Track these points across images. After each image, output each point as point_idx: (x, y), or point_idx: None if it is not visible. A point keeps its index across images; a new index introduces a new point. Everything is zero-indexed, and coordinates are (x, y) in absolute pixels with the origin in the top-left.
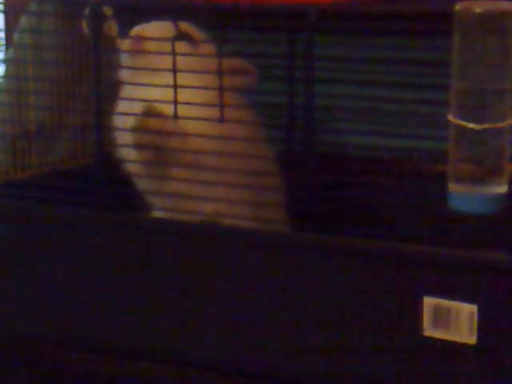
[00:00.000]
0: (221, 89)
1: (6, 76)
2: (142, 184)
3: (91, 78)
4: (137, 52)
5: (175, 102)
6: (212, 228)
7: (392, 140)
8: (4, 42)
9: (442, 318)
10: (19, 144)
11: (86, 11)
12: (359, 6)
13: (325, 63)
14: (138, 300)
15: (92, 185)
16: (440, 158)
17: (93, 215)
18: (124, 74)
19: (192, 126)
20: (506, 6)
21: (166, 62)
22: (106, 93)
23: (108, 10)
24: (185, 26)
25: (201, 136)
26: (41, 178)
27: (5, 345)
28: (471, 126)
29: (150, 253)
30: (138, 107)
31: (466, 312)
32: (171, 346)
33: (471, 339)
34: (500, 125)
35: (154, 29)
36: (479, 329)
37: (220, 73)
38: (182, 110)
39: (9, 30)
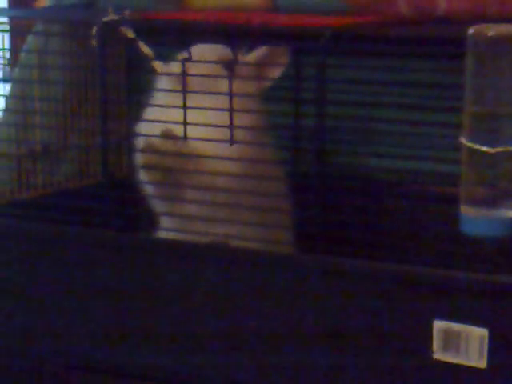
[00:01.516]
0: (231, 110)
1: (12, 96)
2: (153, 205)
3: (97, 98)
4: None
5: (185, 123)
6: (221, 250)
7: (403, 162)
8: (10, 62)
9: (452, 341)
10: (24, 164)
11: (94, 31)
12: (370, 28)
13: (336, 85)
14: (143, 321)
15: (97, 205)
16: (452, 181)
17: (98, 235)
18: (157, 97)
19: (206, 148)
20: None
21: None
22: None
23: (130, 33)
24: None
25: (212, 157)
26: (46, 197)
27: (5, 364)
28: (484, 149)
29: (157, 274)
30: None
31: (476, 336)
32: (178, 368)
33: (481, 363)
34: None
35: (202, 52)
36: (489, 353)
37: (230, 95)
38: (198, 132)
39: (15, 50)
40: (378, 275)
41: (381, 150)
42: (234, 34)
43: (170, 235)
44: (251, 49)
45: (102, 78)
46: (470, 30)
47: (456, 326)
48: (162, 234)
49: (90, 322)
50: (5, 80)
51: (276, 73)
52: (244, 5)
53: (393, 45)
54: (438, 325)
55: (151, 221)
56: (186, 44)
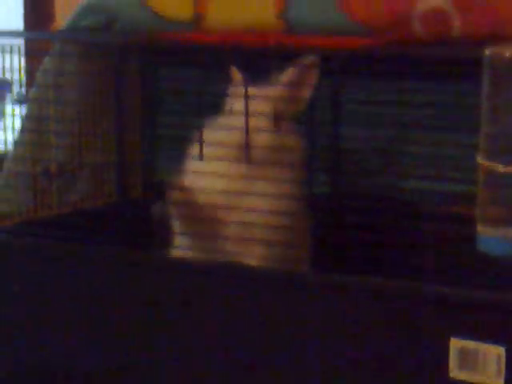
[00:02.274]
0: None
1: (28, 116)
2: (170, 224)
3: (112, 118)
4: None
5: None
6: (236, 268)
7: (419, 182)
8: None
9: (468, 359)
10: (40, 183)
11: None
12: (386, 49)
13: (350, 106)
14: (156, 336)
15: (112, 224)
16: (469, 201)
17: (113, 254)
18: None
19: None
20: None
21: None
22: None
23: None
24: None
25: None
26: (61, 216)
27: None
28: (501, 168)
29: (171, 292)
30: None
31: (493, 354)
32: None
33: (498, 381)
34: None
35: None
36: (507, 371)
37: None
38: None
39: (32, 71)
40: (394, 293)
41: (397, 169)
42: (249, 55)
43: (185, 253)
44: (267, 70)
45: (118, 97)
46: (487, 51)
47: (473, 344)
48: (177, 253)
49: (103, 337)
50: (21, 101)
51: (308, 93)
52: (259, 25)
53: (408, 66)
54: (455, 343)
55: (165, 239)
56: (202, 65)
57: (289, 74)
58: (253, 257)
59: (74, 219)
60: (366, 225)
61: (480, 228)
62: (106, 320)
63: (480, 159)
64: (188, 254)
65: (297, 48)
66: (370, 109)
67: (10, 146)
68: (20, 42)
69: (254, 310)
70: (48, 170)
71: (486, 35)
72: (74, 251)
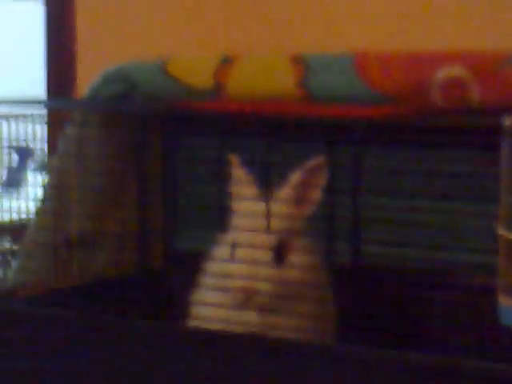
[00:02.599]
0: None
1: (50, 184)
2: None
3: (134, 187)
4: None
5: None
6: (261, 340)
7: (439, 252)
8: (47, 152)
9: None
10: (61, 253)
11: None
12: (405, 118)
13: (370, 175)
14: None
15: (133, 295)
16: (490, 272)
17: (135, 325)
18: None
19: None
20: None
21: None
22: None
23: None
24: None
25: None
26: (82, 287)
27: None
28: None
29: (195, 364)
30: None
31: None
32: None
33: None
34: None
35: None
36: None
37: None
38: None
39: (53, 139)
40: (419, 366)
41: (417, 240)
42: (270, 124)
43: (204, 324)
44: (287, 140)
45: (142, 167)
46: (507, 121)
47: None
48: (195, 323)
49: None
50: (41, 169)
51: (316, 195)
52: (279, 94)
53: (427, 135)
54: None
55: (185, 310)
56: (222, 134)
57: (297, 177)
58: (278, 328)
59: (95, 289)
60: (388, 296)
61: (501, 299)
62: None
63: (500, 229)
64: (211, 325)
65: (317, 117)
66: (390, 178)
67: (32, 215)
68: (42, 111)
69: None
70: (69, 240)
71: (505, 105)
72: (94, 322)
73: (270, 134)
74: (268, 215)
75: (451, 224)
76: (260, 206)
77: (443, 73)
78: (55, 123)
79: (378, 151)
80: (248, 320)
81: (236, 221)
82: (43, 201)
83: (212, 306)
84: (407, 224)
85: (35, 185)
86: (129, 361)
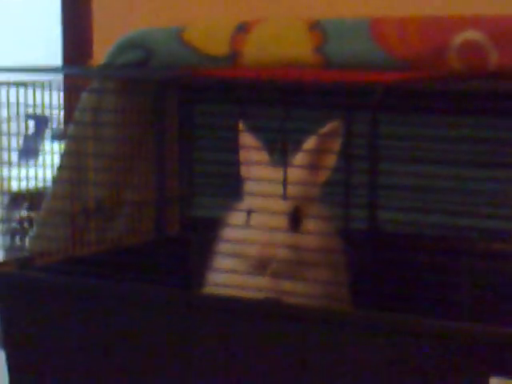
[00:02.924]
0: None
1: (67, 153)
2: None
3: (150, 154)
4: None
5: None
6: (275, 306)
7: (458, 218)
8: (63, 120)
9: None
10: (78, 221)
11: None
12: (422, 84)
13: (388, 141)
14: (193, 377)
15: (151, 262)
16: (508, 237)
17: (151, 292)
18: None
19: None
20: None
21: None
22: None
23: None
24: None
25: None
26: (99, 254)
27: None
28: None
29: (214, 330)
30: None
31: None
32: None
33: None
34: None
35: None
36: None
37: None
38: None
39: (70, 107)
40: (433, 331)
41: (434, 206)
42: (286, 90)
43: (220, 290)
44: (304, 107)
45: (159, 134)
46: None
47: None
48: (210, 290)
49: (138, 375)
50: (58, 137)
51: (331, 160)
52: (296, 61)
53: (444, 100)
54: (494, 382)
55: (201, 276)
56: (238, 101)
57: (311, 142)
58: (292, 294)
59: (113, 257)
60: (403, 262)
61: None
62: (141, 358)
63: None
64: (227, 291)
65: (334, 83)
66: (407, 144)
67: (49, 183)
68: (59, 78)
69: (292, 348)
70: (86, 208)
71: None
72: (112, 289)
73: (287, 100)
74: (284, 181)
75: (468, 190)
76: (274, 173)
77: (461, 37)
78: (72, 91)
79: (395, 117)
80: (263, 286)
81: (251, 188)
82: (60, 169)
83: (228, 272)
84: (424, 190)
85: (52, 153)
86: (145, 328)
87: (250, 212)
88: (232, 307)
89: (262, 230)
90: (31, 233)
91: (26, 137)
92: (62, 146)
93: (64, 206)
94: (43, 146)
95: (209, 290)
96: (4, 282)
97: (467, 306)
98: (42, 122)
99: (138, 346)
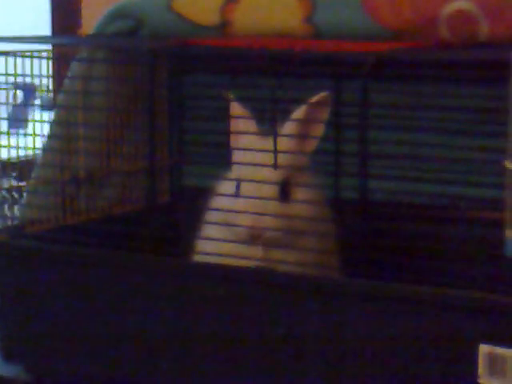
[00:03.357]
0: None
1: (56, 122)
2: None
3: (140, 124)
4: None
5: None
6: (265, 274)
7: (447, 187)
8: (52, 89)
9: (498, 366)
10: (68, 189)
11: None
12: (412, 53)
13: (377, 110)
14: (184, 345)
15: (141, 230)
16: (496, 206)
17: (141, 260)
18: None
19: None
20: None
21: None
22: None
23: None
24: None
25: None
26: (89, 223)
27: None
28: None
29: (201, 299)
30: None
31: None
32: None
33: None
34: None
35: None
36: None
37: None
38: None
39: (59, 76)
40: (422, 299)
41: (424, 175)
42: (276, 60)
43: (209, 259)
44: (294, 76)
45: (151, 103)
46: None
47: (502, 351)
48: (200, 258)
49: (129, 343)
50: (47, 107)
51: (319, 130)
52: (285, 30)
53: (435, 70)
54: (484, 349)
55: (191, 245)
56: (227, 70)
57: (300, 112)
58: (282, 262)
59: (102, 225)
60: (393, 230)
61: (508, 232)
62: (131, 325)
63: (508, 163)
64: (216, 260)
65: (324, 52)
66: (397, 113)
67: (39, 152)
68: (48, 48)
69: (282, 316)
70: (76, 177)
71: None
72: (102, 257)
73: (277, 70)
74: (274, 151)
75: (459, 159)
76: (263, 142)
77: (452, 7)
78: (61, 60)
79: (385, 86)
80: (253, 255)
81: (240, 157)
82: (50, 138)
83: (218, 240)
84: (414, 159)
85: (41, 122)
86: (134, 295)
87: (239, 181)
88: (223, 275)
89: (251, 199)
90: (21, 202)
91: (16, 106)
92: (52, 116)
93: (54, 175)
94: (33, 115)
95: (198, 258)
96: None
97: (456, 273)
98: (31, 91)
99: (129, 313)
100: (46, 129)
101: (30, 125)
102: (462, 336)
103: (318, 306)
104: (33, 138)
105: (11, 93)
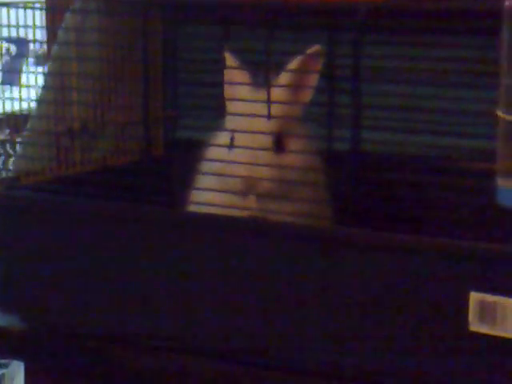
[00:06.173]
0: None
1: (50, 73)
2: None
3: (134, 75)
4: None
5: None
6: (259, 223)
7: (439, 138)
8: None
9: (488, 313)
10: (63, 141)
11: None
12: (406, 4)
13: (370, 61)
14: (180, 295)
15: (136, 181)
16: (489, 156)
17: (136, 211)
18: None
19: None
20: None
21: None
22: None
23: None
24: None
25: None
26: (84, 174)
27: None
28: None
29: (195, 249)
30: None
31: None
32: (211, 341)
33: None
34: None
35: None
36: None
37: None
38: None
39: (53, 27)
40: (414, 248)
41: (416, 125)
42: (270, 10)
43: (204, 209)
44: (288, 28)
45: (145, 54)
46: (507, 2)
47: (492, 298)
48: (194, 208)
49: (125, 294)
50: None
51: (313, 81)
52: None
53: (427, 20)
54: (475, 296)
55: (185, 196)
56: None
57: (294, 63)
58: (276, 213)
59: (97, 177)
60: (384, 181)
61: (500, 181)
62: (127, 277)
63: (499, 112)
64: (211, 210)
65: (317, 3)
66: (391, 64)
67: (33, 104)
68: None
69: (275, 265)
70: (71, 128)
71: None
72: (97, 208)
73: (271, 21)
74: (267, 102)
75: (452, 110)
76: (257, 93)
77: None
78: (54, 11)
79: (378, 37)
80: (247, 205)
81: (234, 108)
82: (44, 89)
83: (213, 191)
84: (408, 110)
85: (35, 74)
86: (130, 246)
87: (233, 132)
88: (219, 225)
89: (246, 150)
90: (15, 154)
91: (9, 58)
92: (46, 67)
93: (48, 126)
94: (27, 67)
95: (192, 209)
96: None
97: (447, 222)
98: (24, 43)
99: (125, 264)
100: (40, 81)
101: (24, 77)
102: (453, 284)
103: (313, 254)
104: (27, 90)
105: (5, 45)
